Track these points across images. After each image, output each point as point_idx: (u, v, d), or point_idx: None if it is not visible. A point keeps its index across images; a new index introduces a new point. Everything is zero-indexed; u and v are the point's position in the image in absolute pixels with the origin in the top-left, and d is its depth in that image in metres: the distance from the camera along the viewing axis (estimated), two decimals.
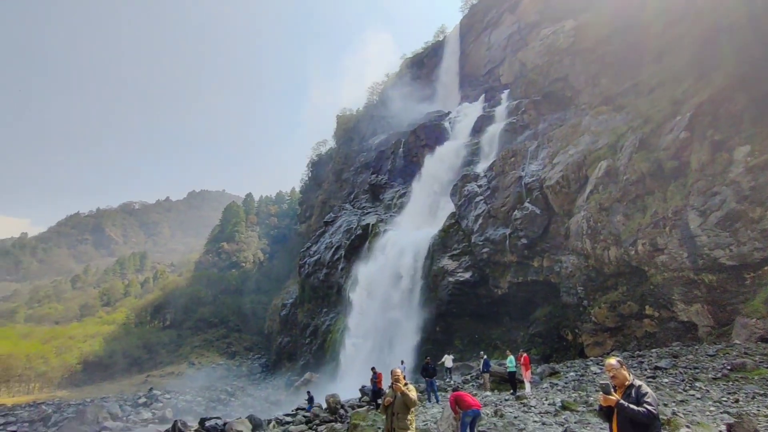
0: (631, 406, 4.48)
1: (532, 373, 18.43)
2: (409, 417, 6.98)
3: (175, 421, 24.15)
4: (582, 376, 18.19)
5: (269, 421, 25.21)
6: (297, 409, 26.41)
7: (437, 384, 19.61)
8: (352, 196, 71.02)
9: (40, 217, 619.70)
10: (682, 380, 14.39)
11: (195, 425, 23.20)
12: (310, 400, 26.99)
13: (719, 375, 14.24)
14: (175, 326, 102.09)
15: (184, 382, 70.66)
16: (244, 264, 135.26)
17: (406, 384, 7.29)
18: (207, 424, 21.99)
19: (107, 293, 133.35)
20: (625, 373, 4.83)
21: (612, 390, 4.72)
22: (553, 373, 19.43)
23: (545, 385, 17.85)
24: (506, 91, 55.20)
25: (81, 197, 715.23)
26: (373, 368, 20.93)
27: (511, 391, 18.04)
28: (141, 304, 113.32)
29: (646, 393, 4.56)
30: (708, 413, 10.95)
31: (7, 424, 41.09)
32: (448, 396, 11.33)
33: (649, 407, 4.42)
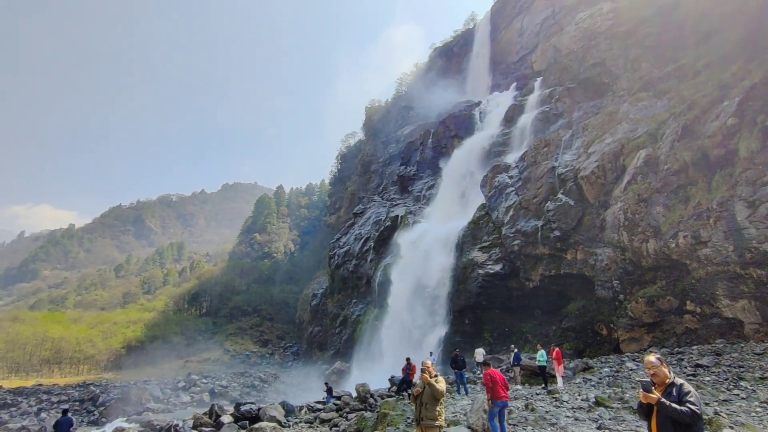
0: (674, 405, 4.30)
1: (564, 367, 18.04)
2: (438, 408, 6.99)
3: (213, 404, 25.05)
4: (617, 372, 17.67)
5: (301, 408, 25.82)
6: (318, 402, 26.96)
7: (467, 377, 19.51)
8: (380, 188, 71.09)
9: (86, 209, 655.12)
10: (726, 379, 13.75)
11: (231, 409, 23.99)
12: (329, 391, 27.05)
13: (767, 375, 13.51)
14: (210, 314, 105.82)
15: (219, 367, 73.31)
16: (275, 255, 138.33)
17: (435, 375, 7.27)
18: (242, 408, 22.66)
19: (147, 282, 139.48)
20: (666, 370, 4.65)
21: (653, 388, 4.56)
22: (587, 369, 18.96)
23: (578, 381, 17.45)
24: (539, 79, 53.55)
25: (122, 190, 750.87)
26: (408, 359, 21.05)
27: (543, 385, 17.75)
28: (179, 293, 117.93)
29: (689, 392, 4.37)
30: (754, 414, 10.42)
31: (60, 402, 43.81)
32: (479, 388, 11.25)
33: (692, 407, 4.23)
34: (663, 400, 4.38)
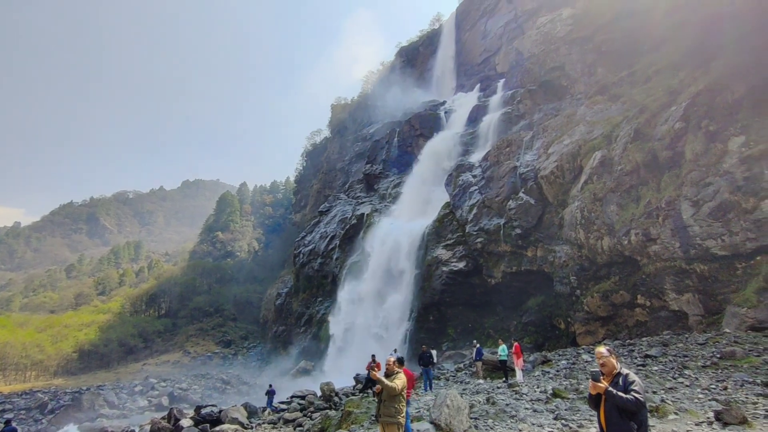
0: (619, 393, 4.51)
1: (524, 361, 18.60)
2: (396, 405, 7.02)
3: (171, 408, 24.26)
4: (573, 364, 18.37)
5: (264, 408, 25.40)
6: (291, 397, 26.53)
7: (433, 373, 19.74)
8: (346, 186, 70.82)
9: (35, 207, 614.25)
10: (672, 368, 14.55)
11: (191, 413, 23.29)
12: (270, 393, 25.88)
13: (708, 363, 14.40)
14: (170, 315, 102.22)
15: (180, 370, 70.96)
16: (238, 253, 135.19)
17: (397, 372, 7.32)
18: (203, 411, 22.07)
19: (102, 282, 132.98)
20: (614, 361, 4.86)
21: (601, 378, 4.75)
22: (545, 362, 19.61)
23: (537, 373, 18.02)
24: (502, 81, 54.91)
25: (75, 187, 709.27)
26: (372, 356, 21.06)
27: (504, 379, 18.23)
28: (136, 293, 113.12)
29: (634, 381, 4.59)
30: (696, 400, 11.09)
31: (4, 411, 41.12)
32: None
33: (636, 395, 4.44)
34: (610, 388, 4.58)
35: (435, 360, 24.92)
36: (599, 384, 4.65)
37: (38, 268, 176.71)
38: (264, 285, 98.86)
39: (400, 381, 7.07)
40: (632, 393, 4.47)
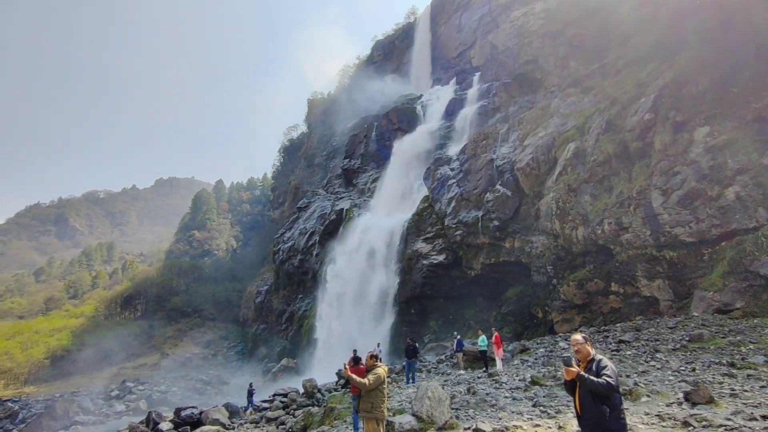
0: (591, 377, 4.64)
1: (503, 350, 18.93)
2: (372, 400, 7.08)
3: (150, 412, 23.76)
4: (551, 352, 18.82)
5: (246, 408, 25.16)
6: (274, 395, 26.36)
7: (416, 366, 19.89)
8: (325, 181, 70.33)
9: (0, 210, 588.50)
10: (644, 352, 15.07)
11: (170, 415, 22.87)
12: (250, 393, 25.76)
13: (678, 346, 14.97)
14: (146, 317, 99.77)
15: (158, 372, 69.42)
16: (216, 252, 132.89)
17: (374, 366, 7.34)
18: (183, 413, 21.69)
19: (74, 285, 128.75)
20: (589, 347, 4.99)
21: (574, 363, 4.88)
22: (524, 350, 20.01)
23: (516, 362, 18.38)
24: (477, 74, 55.30)
25: (42, 188, 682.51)
26: (354, 350, 21.04)
27: (484, 369, 18.53)
28: (110, 296, 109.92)
29: (606, 366, 4.72)
30: (667, 382, 11.51)
31: None
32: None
33: (608, 379, 4.58)
34: (582, 373, 4.71)
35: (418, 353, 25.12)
36: (571, 369, 4.77)
37: (4, 273, 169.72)
38: (243, 283, 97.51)
39: (373, 376, 7.11)
40: (604, 377, 4.60)
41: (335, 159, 73.14)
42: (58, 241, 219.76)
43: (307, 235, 57.71)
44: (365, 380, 7.07)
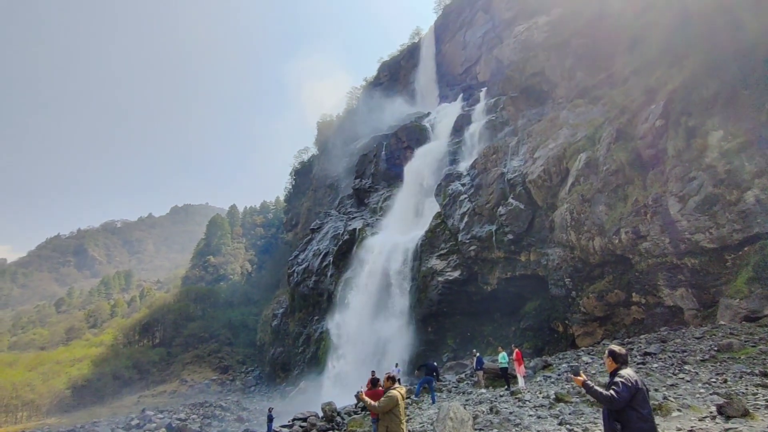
0: (595, 387, 4.57)
1: (525, 367, 18.49)
2: (386, 424, 6.95)
3: None
4: (575, 367, 18.31)
5: None
6: (293, 420, 25.98)
7: (434, 384, 19.51)
8: (337, 202, 70.71)
9: (22, 243, 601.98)
10: (672, 364, 14.58)
11: None
12: (270, 419, 25.65)
13: (707, 357, 14.45)
14: (164, 344, 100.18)
15: (177, 400, 69.32)
16: (231, 276, 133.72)
17: (393, 388, 7.20)
18: None
19: (93, 315, 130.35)
20: (610, 361, 4.94)
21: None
22: (546, 366, 19.53)
23: (539, 379, 17.93)
24: (484, 89, 55.69)
25: (61, 220, 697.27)
26: (372, 372, 20.78)
27: (506, 386, 18.08)
28: (129, 324, 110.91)
29: (617, 381, 4.59)
30: (698, 395, 11.09)
31: None
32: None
33: (612, 393, 4.45)
34: (587, 382, 4.67)
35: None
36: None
37: (26, 305, 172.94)
38: (259, 307, 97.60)
39: (385, 399, 6.97)
40: (612, 390, 4.50)
41: (346, 179, 73.65)
42: (77, 271, 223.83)
43: (320, 257, 57.80)
44: (376, 403, 6.98)
